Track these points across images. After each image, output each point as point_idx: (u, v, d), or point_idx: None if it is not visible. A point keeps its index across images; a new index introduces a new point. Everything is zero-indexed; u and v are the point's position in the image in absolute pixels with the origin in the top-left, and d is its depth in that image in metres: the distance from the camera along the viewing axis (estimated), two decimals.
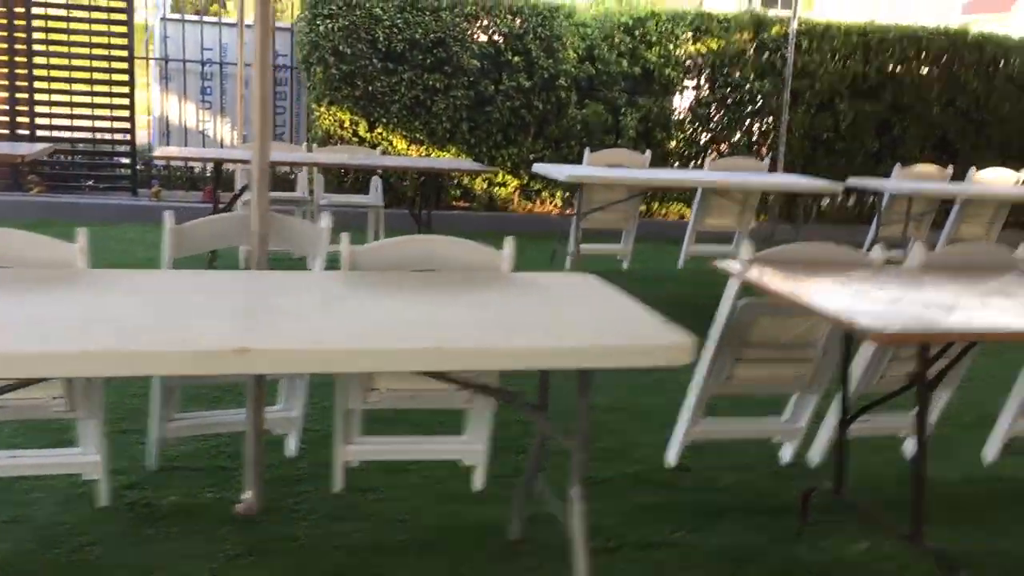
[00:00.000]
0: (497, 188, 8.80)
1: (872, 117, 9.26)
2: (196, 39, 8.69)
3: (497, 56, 8.42)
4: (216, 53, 8.83)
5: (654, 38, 8.76)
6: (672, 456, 3.22)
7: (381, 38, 8.07)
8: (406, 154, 8.38)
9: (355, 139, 8.29)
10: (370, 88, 8.17)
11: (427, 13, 8.15)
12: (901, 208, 7.08)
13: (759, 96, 9.09)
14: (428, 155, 8.43)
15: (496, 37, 8.41)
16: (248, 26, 8.43)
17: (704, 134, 9.27)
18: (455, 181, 8.63)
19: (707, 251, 6.42)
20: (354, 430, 2.74)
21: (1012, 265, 3.08)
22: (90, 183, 8.45)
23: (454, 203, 8.85)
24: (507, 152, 8.58)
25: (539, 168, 6.33)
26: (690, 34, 8.91)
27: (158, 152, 7.15)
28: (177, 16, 8.61)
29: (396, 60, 8.19)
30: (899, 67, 9.25)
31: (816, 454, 3.19)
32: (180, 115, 8.81)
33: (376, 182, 6.74)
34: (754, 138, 9.29)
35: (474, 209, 8.81)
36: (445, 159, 8.21)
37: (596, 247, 6.58)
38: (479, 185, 8.75)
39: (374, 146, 8.32)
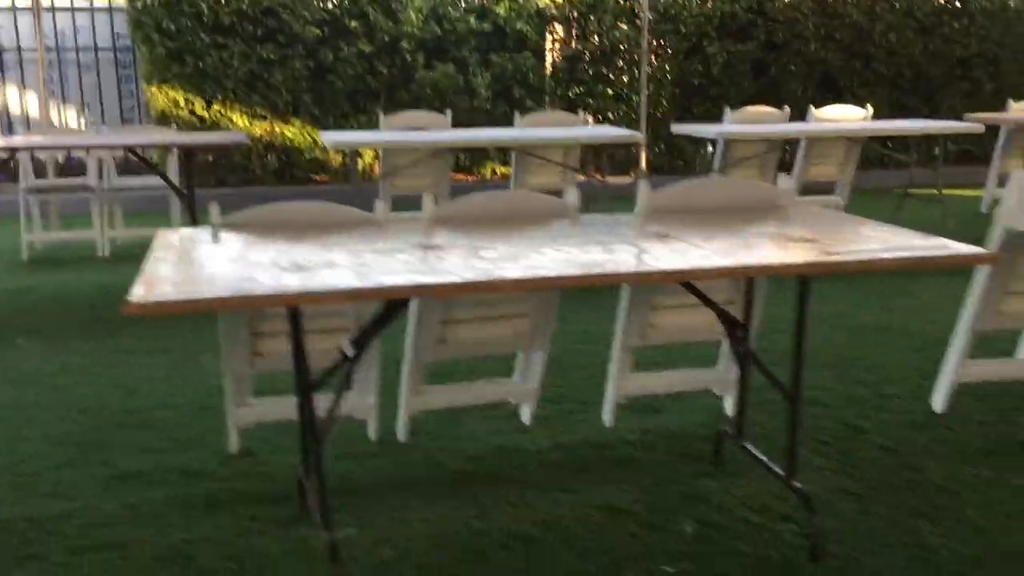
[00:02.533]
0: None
1: (746, 58, 8.83)
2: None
3: (334, 23, 8.10)
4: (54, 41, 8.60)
5: None
6: (232, 443, 2.97)
7: (206, 11, 7.79)
8: (249, 131, 8.12)
9: (193, 118, 8.04)
10: (200, 64, 7.90)
11: None
12: (739, 152, 6.73)
13: (622, 45, 8.70)
14: (272, 130, 8.17)
15: (330, 3, 8.09)
16: (48, 10, 8.24)
17: (574, 88, 8.91)
18: (306, 155, 8.36)
19: None
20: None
21: (563, 213, 2.77)
22: None
23: (315, 177, 8.60)
24: (357, 120, 8.29)
25: (322, 136, 6.04)
26: None
27: None
28: (7, 5, 8.36)
29: (225, 33, 7.91)
30: (770, 3, 8.79)
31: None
32: (22, 105, 8.62)
33: (172, 161, 6.47)
34: (623, 90, 8.90)
35: (335, 182, 8.55)
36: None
37: (407, 214, 6.29)
38: (335, 158, 8.47)
39: (214, 124, 8.09)
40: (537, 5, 8.47)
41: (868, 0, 8.95)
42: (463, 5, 8.33)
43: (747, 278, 2.57)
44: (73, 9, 8.49)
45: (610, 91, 8.87)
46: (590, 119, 6.81)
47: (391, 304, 2.20)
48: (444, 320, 2.85)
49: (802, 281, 2.27)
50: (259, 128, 8.16)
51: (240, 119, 8.12)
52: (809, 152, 6.92)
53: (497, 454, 2.93)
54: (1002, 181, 7.05)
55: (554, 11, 8.56)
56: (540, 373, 3.06)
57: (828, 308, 4.52)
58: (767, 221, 2.60)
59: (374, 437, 3.02)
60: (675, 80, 8.78)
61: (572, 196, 2.76)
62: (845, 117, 7.01)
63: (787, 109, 6.90)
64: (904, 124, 6.81)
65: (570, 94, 8.86)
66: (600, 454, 2.93)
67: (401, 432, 2.98)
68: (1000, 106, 8.70)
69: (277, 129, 8.15)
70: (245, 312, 2.68)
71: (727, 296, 3.00)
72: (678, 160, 8.94)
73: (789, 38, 8.85)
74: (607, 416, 3.07)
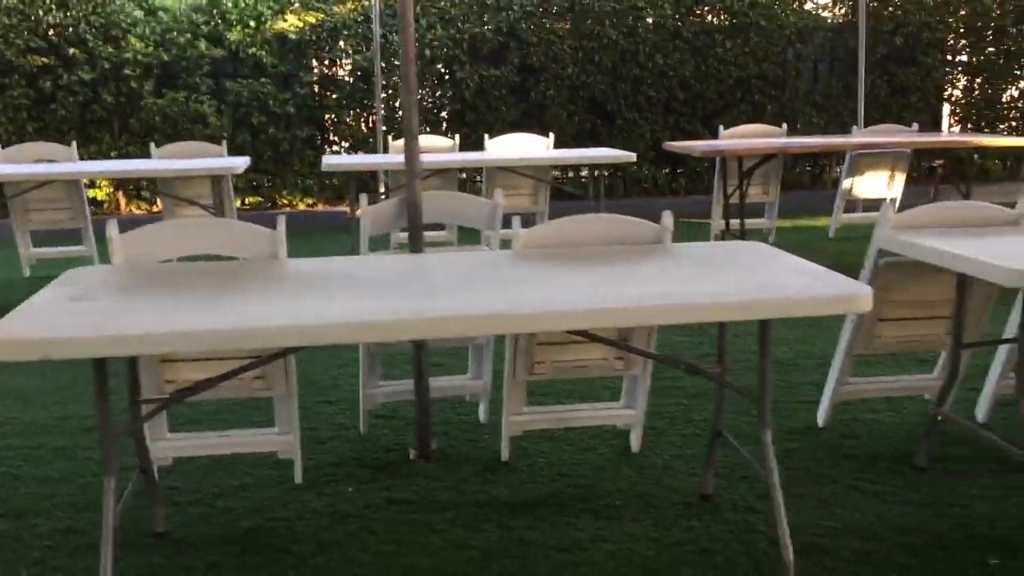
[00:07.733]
0: (91, 191, 8.31)
1: (500, 83, 8.49)
2: None
3: (54, 50, 7.92)
4: None
5: (234, 16, 8.15)
6: None
7: None
8: None
9: None
10: None
11: None
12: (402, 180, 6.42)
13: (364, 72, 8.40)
14: None
15: (47, 30, 7.89)
16: None
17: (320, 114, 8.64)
18: None
19: None
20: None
21: None
22: None
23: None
24: (87, 151, 8.08)
25: None
26: (284, 8, 8.27)
27: None
28: None
29: None
30: (522, 25, 8.44)
31: None
32: None
33: None
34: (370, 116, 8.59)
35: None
36: None
37: None
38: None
39: None
40: (272, 30, 8.21)
41: (628, 20, 8.56)
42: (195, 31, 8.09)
43: None
44: None
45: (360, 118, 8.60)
46: None
47: None
48: None
49: None
50: None
51: None
52: (491, 183, 6.61)
53: None
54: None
55: (293, 35, 8.28)
56: None
57: None
58: None
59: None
60: (429, 107, 8.47)
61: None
62: (525, 147, 6.67)
63: (456, 139, 6.58)
64: (569, 154, 6.44)
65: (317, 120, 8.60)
66: None
67: None
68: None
69: None
70: None
71: None
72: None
73: (546, 61, 8.49)
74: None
